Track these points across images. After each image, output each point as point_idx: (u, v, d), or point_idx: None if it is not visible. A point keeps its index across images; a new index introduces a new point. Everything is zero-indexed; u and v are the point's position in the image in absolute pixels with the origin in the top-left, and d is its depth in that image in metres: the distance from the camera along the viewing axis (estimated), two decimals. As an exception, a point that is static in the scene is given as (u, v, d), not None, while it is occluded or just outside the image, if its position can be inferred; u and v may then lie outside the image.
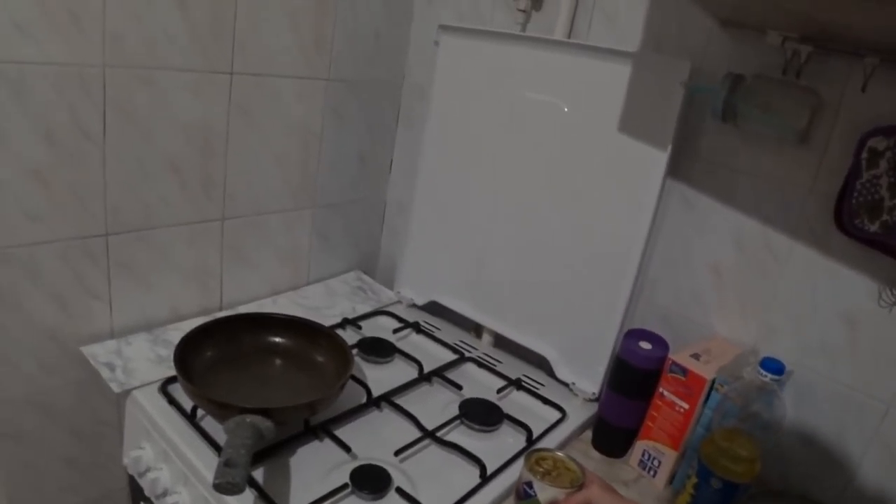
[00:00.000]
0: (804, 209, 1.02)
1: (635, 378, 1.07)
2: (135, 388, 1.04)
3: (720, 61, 1.05)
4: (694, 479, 0.94)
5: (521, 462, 0.97)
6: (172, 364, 0.96)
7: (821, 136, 0.98)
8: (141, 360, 1.10)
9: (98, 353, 1.09)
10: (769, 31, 0.95)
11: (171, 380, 1.05)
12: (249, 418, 0.87)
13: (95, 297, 1.11)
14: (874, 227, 0.90)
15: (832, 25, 0.83)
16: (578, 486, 0.80)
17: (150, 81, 1.05)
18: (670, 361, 1.02)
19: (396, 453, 0.97)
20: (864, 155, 0.90)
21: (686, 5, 1.07)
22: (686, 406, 1.01)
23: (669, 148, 1.06)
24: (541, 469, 0.82)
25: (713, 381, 0.99)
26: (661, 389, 1.03)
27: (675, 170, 1.13)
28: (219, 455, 0.87)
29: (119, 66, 1.01)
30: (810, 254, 1.02)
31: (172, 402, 1.01)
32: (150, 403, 1.01)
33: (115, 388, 1.03)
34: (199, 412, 0.99)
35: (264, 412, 0.89)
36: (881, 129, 0.89)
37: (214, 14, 1.10)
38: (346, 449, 0.97)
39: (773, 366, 0.92)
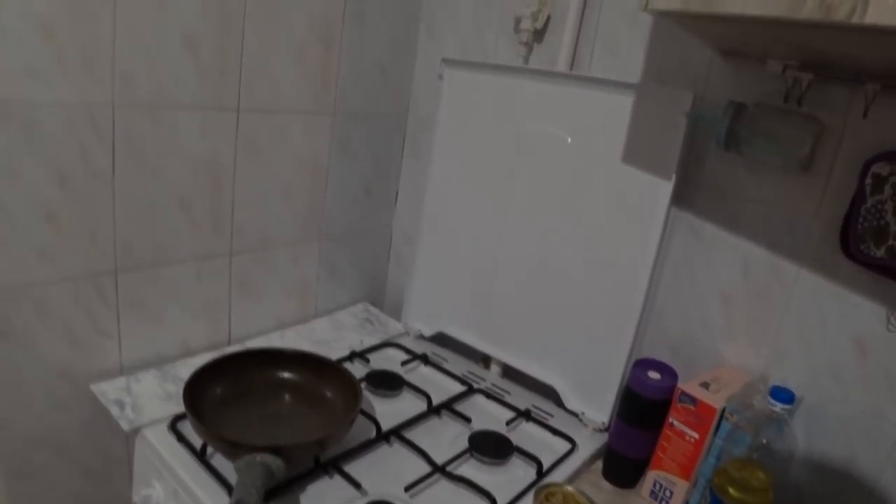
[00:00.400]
0: (810, 235, 1.02)
1: (644, 408, 1.06)
2: (144, 425, 1.04)
3: (722, 90, 1.06)
4: (707, 510, 0.94)
5: (532, 495, 0.97)
6: (181, 401, 0.96)
7: (824, 162, 0.99)
8: (150, 398, 1.10)
9: (107, 390, 1.10)
10: (770, 60, 0.95)
11: (180, 417, 1.04)
12: (260, 457, 0.87)
13: (105, 334, 1.11)
14: (880, 253, 0.90)
15: (831, 54, 0.84)
16: None
17: (158, 119, 1.07)
18: (679, 391, 1.01)
19: (407, 489, 0.97)
20: (868, 181, 0.90)
21: (686, 36, 1.08)
22: (696, 436, 1.00)
23: (674, 177, 1.06)
24: (550, 504, 0.81)
25: (723, 410, 0.98)
26: (670, 419, 1.03)
27: (681, 199, 1.13)
28: (229, 494, 0.87)
29: (128, 105, 1.03)
30: (817, 280, 1.02)
31: (182, 439, 1.01)
32: (160, 441, 1.01)
33: (125, 426, 1.03)
34: (209, 450, 0.99)
35: (275, 450, 0.89)
36: (884, 154, 0.89)
37: (222, 52, 1.12)
38: (357, 485, 0.96)
39: (783, 395, 0.92)
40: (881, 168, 0.89)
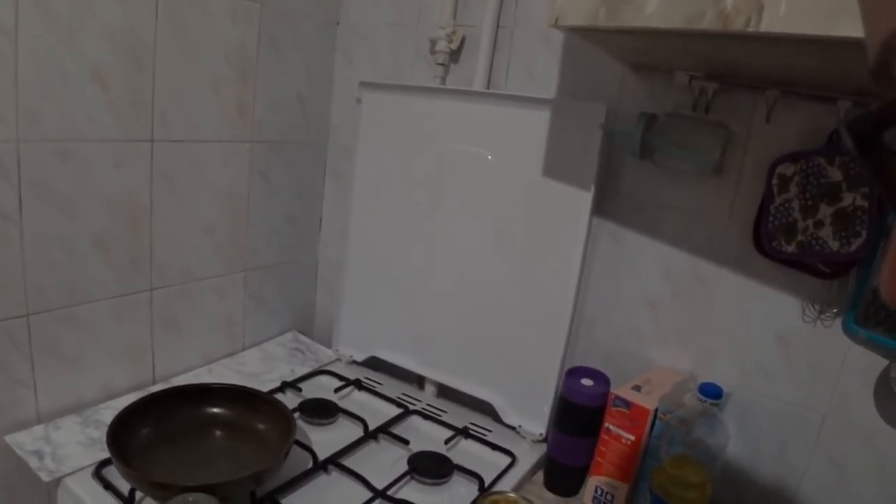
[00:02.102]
0: (726, 237, 1.06)
1: (580, 415, 1.07)
2: (66, 474, 0.98)
3: (634, 103, 1.10)
4: (648, 511, 0.95)
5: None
6: (106, 446, 0.91)
7: (734, 166, 1.04)
8: (71, 445, 1.04)
9: (24, 441, 1.03)
10: (677, 72, 1.00)
11: (105, 462, 0.99)
12: (192, 497, 0.83)
13: (18, 382, 1.05)
14: (791, 248, 0.94)
15: (734, 64, 0.89)
16: None
17: (69, 155, 1.03)
18: (613, 395, 1.03)
19: (348, 516, 0.95)
20: (775, 181, 0.95)
21: (598, 52, 1.11)
22: (632, 438, 1.02)
23: (593, 188, 1.09)
24: (493, 512, 0.81)
25: (656, 411, 1.00)
26: (606, 424, 1.04)
27: (601, 208, 1.16)
28: (161, 538, 0.83)
29: (35, 141, 0.98)
30: (737, 279, 1.06)
31: (108, 486, 0.96)
32: (84, 490, 0.96)
33: (45, 477, 0.96)
34: (138, 495, 0.94)
35: (207, 489, 0.85)
36: (788, 155, 0.94)
37: (133, 87, 1.08)
38: (296, 517, 0.94)
39: (712, 390, 0.94)
40: (785, 168, 0.94)
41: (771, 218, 0.96)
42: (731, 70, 0.94)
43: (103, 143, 1.07)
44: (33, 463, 0.98)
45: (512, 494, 0.85)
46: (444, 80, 1.30)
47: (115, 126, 1.08)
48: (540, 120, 1.13)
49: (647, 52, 0.96)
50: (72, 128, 1.02)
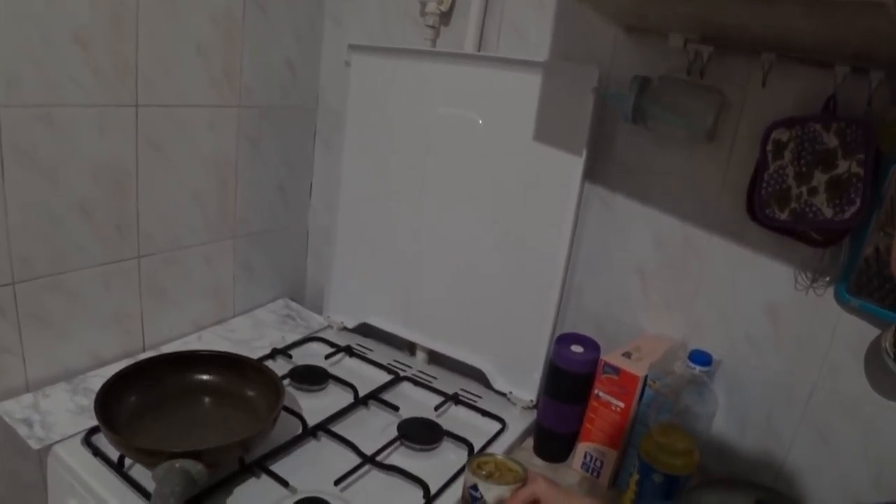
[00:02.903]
0: (718, 204, 1.05)
1: (570, 382, 1.07)
2: (55, 442, 0.98)
3: (627, 66, 1.08)
4: (636, 476, 0.95)
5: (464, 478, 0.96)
6: (94, 414, 0.91)
7: (728, 132, 1.02)
8: (61, 413, 1.04)
9: (13, 409, 1.03)
10: (671, 35, 0.97)
11: (94, 430, 0.99)
12: (179, 463, 0.84)
13: (6, 350, 1.04)
14: (784, 215, 0.93)
15: (729, 26, 0.87)
16: (522, 481, 0.79)
17: (51, 121, 1.01)
18: (602, 362, 1.03)
19: (336, 482, 0.95)
20: (770, 147, 0.94)
21: (591, 15, 1.09)
22: (622, 405, 1.02)
23: (585, 153, 1.07)
24: (483, 472, 0.81)
25: (646, 378, 1.00)
26: (596, 391, 1.04)
27: (593, 174, 1.15)
28: (149, 505, 0.83)
29: (15, 106, 0.96)
30: (728, 246, 1.05)
31: (98, 453, 0.96)
32: (74, 457, 0.96)
33: (34, 445, 0.97)
34: (127, 461, 0.94)
35: (194, 455, 0.85)
36: (783, 121, 0.92)
37: (116, 50, 1.06)
38: (285, 484, 0.94)
39: (701, 358, 0.94)
40: (780, 134, 0.93)
41: (764, 185, 0.94)
42: (727, 33, 0.92)
43: (86, 109, 1.05)
44: (22, 431, 0.98)
45: (500, 456, 0.85)
46: (434, 42, 1.27)
47: (99, 90, 1.06)
48: (531, 83, 1.11)
49: (641, 12, 0.94)
50: (53, 93, 1.00)
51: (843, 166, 0.88)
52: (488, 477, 0.80)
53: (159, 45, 1.12)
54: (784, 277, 1.01)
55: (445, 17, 1.26)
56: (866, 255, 0.91)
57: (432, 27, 1.25)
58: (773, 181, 0.94)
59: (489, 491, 0.78)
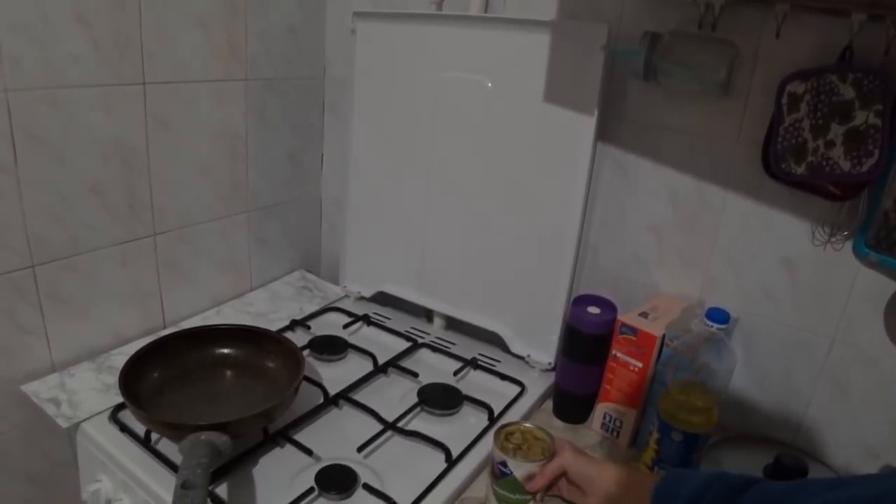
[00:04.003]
0: (733, 159, 1.04)
1: (587, 343, 1.08)
2: (83, 420, 1.00)
3: (637, 22, 1.05)
4: (656, 435, 0.96)
5: (485, 441, 0.98)
6: (119, 391, 0.93)
7: (742, 85, 1.00)
8: (87, 391, 1.06)
9: (40, 389, 1.05)
10: (681, -13, 0.95)
11: (120, 407, 1.01)
12: (204, 435, 0.85)
13: (29, 332, 1.06)
14: (800, 170, 0.92)
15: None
16: (550, 454, 0.80)
17: (57, 102, 1.00)
18: (620, 323, 1.03)
19: (359, 449, 0.97)
20: (785, 100, 0.92)
21: (597, -32, 1.06)
22: (640, 364, 1.02)
23: (596, 112, 1.06)
24: (511, 445, 0.82)
25: (663, 337, 1.00)
26: (613, 351, 1.05)
27: (605, 133, 1.13)
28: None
29: (22, 90, 0.96)
30: (744, 202, 1.04)
31: (125, 429, 0.98)
32: (102, 434, 0.98)
33: (63, 424, 0.99)
34: (154, 436, 0.96)
35: (219, 427, 0.87)
36: (798, 73, 0.90)
37: (117, 27, 1.05)
38: (308, 452, 0.95)
39: (718, 315, 0.94)
40: (796, 87, 0.91)
41: (780, 139, 0.93)
42: (739, -17, 0.90)
43: (92, 88, 1.04)
44: (51, 410, 1.01)
45: (527, 425, 0.85)
46: (440, 5, 1.25)
47: (103, 69, 1.05)
48: (540, 43, 1.09)
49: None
50: (58, 73, 1.00)
51: (860, 118, 0.86)
52: (517, 450, 0.81)
53: (161, 20, 1.11)
54: (801, 232, 1.00)
55: (451, -21, 1.23)
56: (885, 208, 0.89)
57: (438, -10, 1.23)
58: (788, 135, 0.92)
59: (519, 468, 0.79)
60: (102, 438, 0.98)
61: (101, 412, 1.02)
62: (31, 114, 0.98)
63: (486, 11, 1.20)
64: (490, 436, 0.84)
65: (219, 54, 1.23)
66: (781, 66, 0.94)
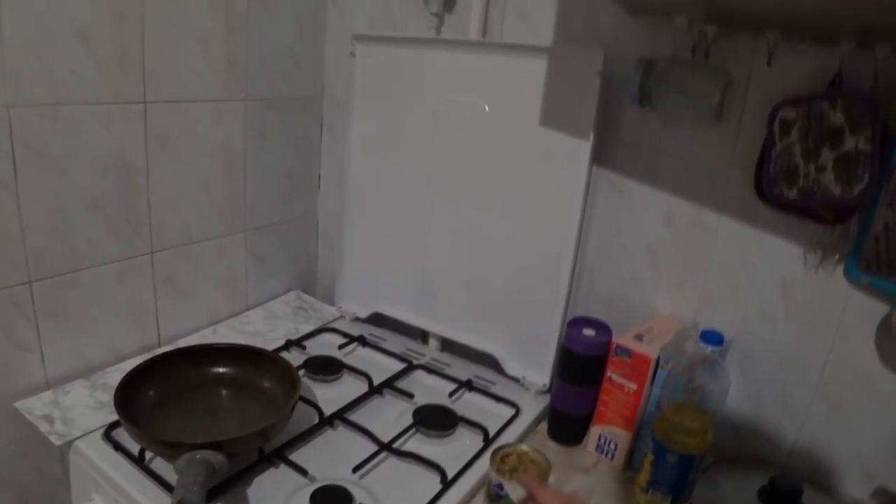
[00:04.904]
0: (727, 183, 1.05)
1: (582, 365, 1.08)
2: (77, 437, 1.00)
3: (632, 48, 1.07)
4: (651, 457, 0.96)
5: (480, 463, 0.98)
6: (114, 408, 0.93)
7: (735, 111, 1.02)
8: (81, 409, 1.05)
9: (34, 406, 1.05)
10: (675, 15, 0.97)
11: (114, 424, 1.01)
12: (200, 454, 0.85)
13: (25, 348, 1.06)
14: (792, 194, 0.93)
15: (734, 4, 0.86)
16: (546, 477, 0.80)
17: (58, 118, 1.01)
18: (615, 345, 1.03)
19: (354, 470, 0.96)
20: (777, 125, 0.93)
21: (593, -5, 1.09)
22: (634, 386, 1.02)
23: (592, 136, 1.07)
24: (507, 467, 0.82)
25: (658, 359, 1.01)
26: (608, 373, 1.05)
27: (601, 157, 1.15)
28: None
29: (24, 105, 0.97)
30: (738, 225, 1.06)
31: (119, 447, 0.97)
32: (95, 452, 0.97)
33: (56, 441, 0.98)
34: (148, 454, 0.96)
35: (215, 446, 0.87)
36: (790, 99, 0.92)
37: (120, 45, 1.06)
38: (303, 472, 0.95)
39: (713, 337, 0.95)
40: (787, 112, 0.92)
41: (772, 163, 0.94)
42: (731, 11, 0.91)
43: (93, 106, 1.05)
44: (44, 427, 1.00)
45: (523, 447, 0.86)
46: (438, 30, 1.27)
47: (104, 87, 1.06)
48: (537, 68, 1.11)
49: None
50: (59, 90, 1.01)
51: (850, 143, 0.88)
52: (513, 472, 0.81)
53: (162, 38, 1.13)
54: (794, 255, 1.01)
55: (449, 4, 1.25)
56: (875, 232, 0.90)
57: (436, 15, 1.25)
58: (780, 160, 0.94)
59: (515, 491, 0.79)
60: (96, 456, 0.97)
61: (95, 430, 1.01)
62: (32, 129, 0.99)
63: (483, 36, 1.22)
64: (485, 457, 0.84)
65: (219, 73, 1.24)
66: (773, 92, 0.96)
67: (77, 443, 0.99)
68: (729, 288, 1.09)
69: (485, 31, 1.22)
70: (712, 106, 0.97)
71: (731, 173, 1.04)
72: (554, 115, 1.11)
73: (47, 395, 1.08)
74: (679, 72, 1.00)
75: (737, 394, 1.09)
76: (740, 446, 1.11)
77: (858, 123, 0.87)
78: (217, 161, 1.30)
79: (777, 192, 0.94)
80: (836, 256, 0.97)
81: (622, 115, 1.13)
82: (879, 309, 0.96)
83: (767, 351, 1.07)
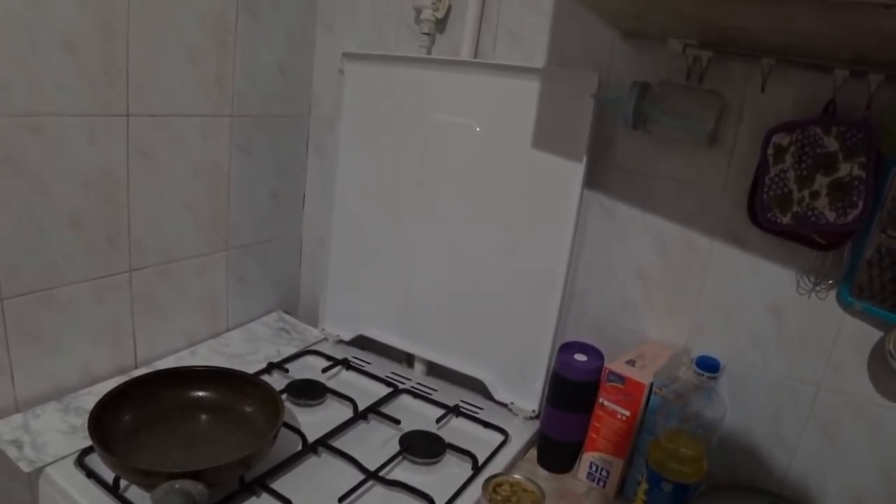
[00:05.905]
0: (720, 208, 1.05)
1: (573, 391, 1.06)
2: (47, 464, 0.95)
3: (626, 72, 1.07)
4: (645, 485, 0.94)
5: (470, 491, 0.95)
6: (87, 433, 0.89)
7: (728, 136, 1.02)
8: (52, 433, 1.01)
9: (2, 430, 1.00)
10: (670, 40, 0.97)
11: (88, 450, 0.96)
12: (178, 484, 0.81)
13: (-7, 369, 1.02)
14: (786, 219, 0.93)
15: (729, 30, 0.86)
16: None
17: (40, 129, 0.98)
18: (607, 370, 1.02)
19: (340, 500, 0.93)
20: (771, 151, 0.93)
21: (588, 19, 1.08)
22: (627, 413, 1.01)
23: (584, 159, 1.07)
24: (500, 497, 0.80)
25: (651, 385, 0.99)
26: (600, 399, 1.03)
27: (593, 180, 1.14)
28: (149, 528, 0.81)
29: (6, 115, 0.93)
30: (730, 250, 1.05)
31: (92, 475, 0.93)
32: (66, 480, 0.93)
33: (25, 468, 0.94)
34: (123, 483, 0.91)
35: (194, 475, 0.83)
36: (784, 125, 0.92)
37: (105, 56, 1.04)
38: (287, 502, 0.91)
39: (708, 363, 0.93)
40: (781, 138, 0.92)
41: (766, 189, 0.94)
42: (726, 37, 0.92)
43: (76, 118, 1.02)
44: (12, 453, 0.95)
45: (516, 476, 0.83)
46: (429, 50, 1.26)
47: (88, 99, 1.03)
48: (529, 90, 1.10)
49: (640, 14, 0.93)
50: (42, 101, 0.98)
51: (844, 169, 0.88)
52: (506, 502, 0.79)
53: (150, 51, 1.10)
54: (787, 280, 1.01)
55: (441, 23, 1.25)
56: (868, 257, 0.90)
57: (428, 34, 1.24)
58: (774, 185, 0.93)
59: None
60: (67, 484, 0.92)
61: (67, 456, 0.96)
62: (13, 140, 0.95)
63: (475, 56, 1.21)
64: (475, 486, 0.82)
65: (206, 89, 1.22)
66: (767, 117, 0.96)
67: (48, 469, 0.94)
68: (721, 314, 1.08)
69: (477, 51, 1.21)
70: (706, 131, 0.97)
71: (724, 198, 1.04)
72: (546, 138, 1.10)
73: (16, 418, 1.03)
74: (673, 96, 0.99)
75: (729, 420, 1.07)
76: (733, 473, 1.09)
77: (852, 150, 0.87)
78: (200, 178, 1.26)
79: (771, 217, 0.94)
80: (830, 282, 0.97)
81: (615, 138, 1.12)
82: (872, 335, 0.95)
83: (759, 377, 1.06)
